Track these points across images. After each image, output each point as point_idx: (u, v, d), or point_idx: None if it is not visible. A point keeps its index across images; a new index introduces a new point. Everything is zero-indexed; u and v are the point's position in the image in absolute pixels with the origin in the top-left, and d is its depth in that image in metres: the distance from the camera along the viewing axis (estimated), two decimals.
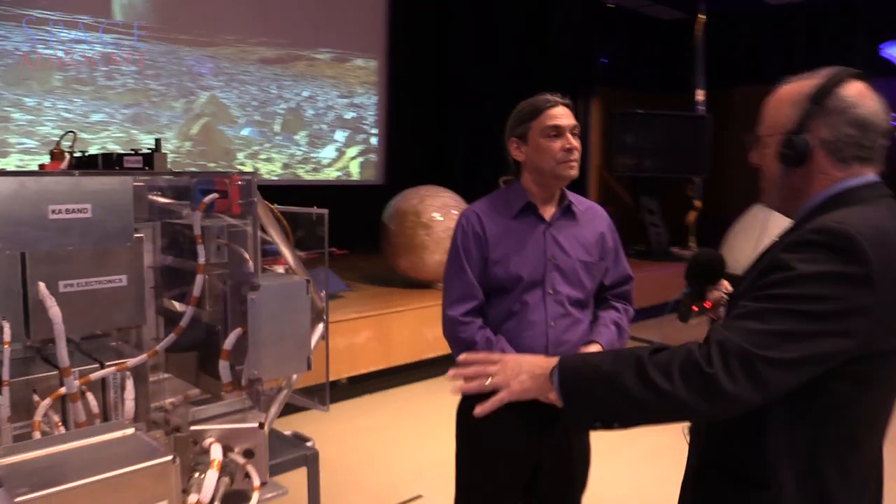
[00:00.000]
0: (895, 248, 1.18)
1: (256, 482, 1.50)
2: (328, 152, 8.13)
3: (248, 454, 1.53)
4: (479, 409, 1.40)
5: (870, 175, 1.30)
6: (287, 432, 2.05)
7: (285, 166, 7.76)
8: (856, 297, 1.14)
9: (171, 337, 1.72)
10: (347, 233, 7.37)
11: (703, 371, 1.15)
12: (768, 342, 1.14)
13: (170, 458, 1.28)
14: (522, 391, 1.36)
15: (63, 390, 1.58)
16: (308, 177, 7.98)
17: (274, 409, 1.72)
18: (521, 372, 1.36)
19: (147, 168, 1.72)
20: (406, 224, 5.57)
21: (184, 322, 1.73)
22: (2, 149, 5.90)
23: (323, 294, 1.87)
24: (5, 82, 5.84)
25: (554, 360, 1.34)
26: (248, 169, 7.42)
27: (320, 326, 1.87)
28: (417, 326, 5.17)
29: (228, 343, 1.64)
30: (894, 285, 1.15)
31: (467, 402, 2.18)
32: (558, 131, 2.03)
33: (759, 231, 5.86)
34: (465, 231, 2.12)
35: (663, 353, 1.21)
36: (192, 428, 1.51)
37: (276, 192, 7.92)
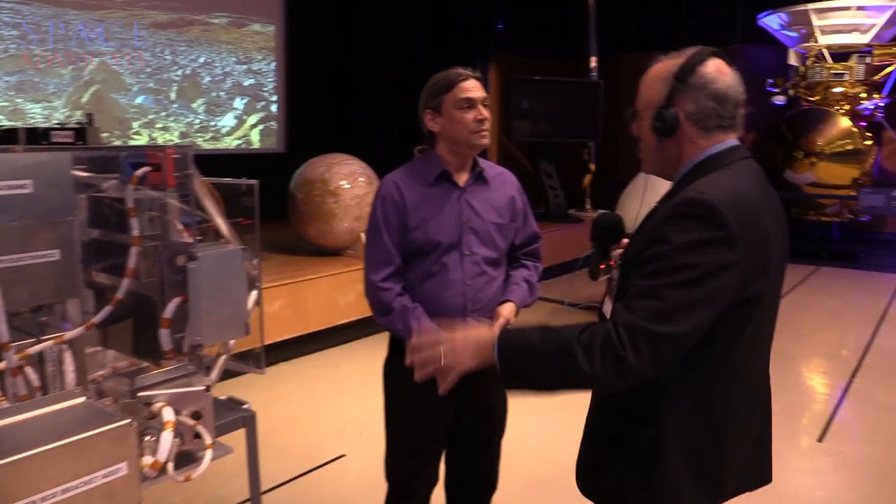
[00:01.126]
0: (749, 207, 1.37)
1: (208, 440, 1.59)
2: (227, 120, 7.98)
3: (196, 416, 1.61)
4: (442, 389, 1.52)
5: (731, 140, 1.50)
6: (222, 397, 2.12)
7: (183, 135, 7.57)
8: (723, 256, 1.32)
9: (108, 309, 1.76)
10: (265, 200, 7.31)
11: (618, 354, 1.30)
12: (668, 317, 1.30)
13: (128, 420, 1.35)
14: (472, 364, 1.47)
15: (2, 365, 1.61)
16: (207, 146, 7.82)
17: (215, 374, 1.79)
18: (467, 347, 1.47)
19: (81, 143, 1.73)
20: (314, 192, 5.59)
21: (120, 293, 1.78)
22: None
23: (256, 262, 1.94)
24: None
25: (494, 333, 1.47)
26: (142, 139, 7.20)
27: (254, 293, 1.94)
28: (330, 293, 5.25)
29: (168, 312, 1.70)
30: (751, 238, 1.34)
31: (394, 359, 2.32)
32: (471, 103, 2.16)
33: (641, 195, 6.27)
34: (384, 199, 2.23)
35: (586, 333, 1.36)
36: (141, 394, 1.57)
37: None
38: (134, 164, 1.81)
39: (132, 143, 7.12)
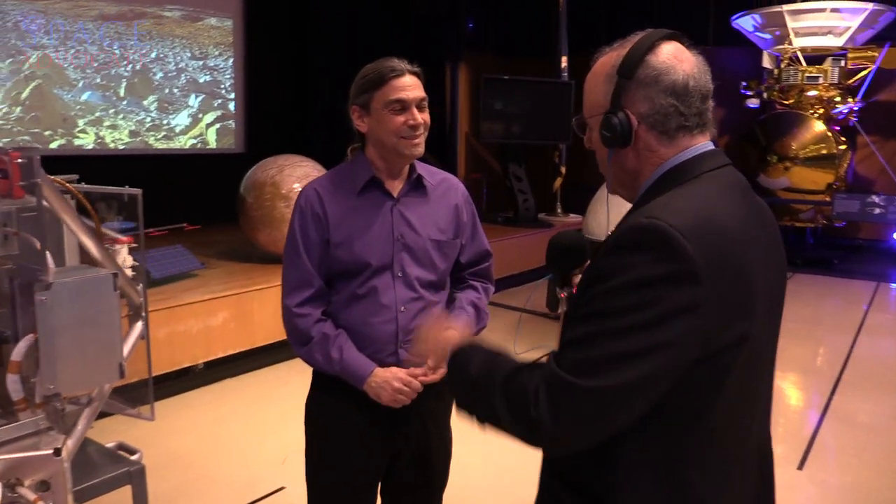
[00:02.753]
0: (720, 232, 1.08)
1: None
2: (181, 119, 7.60)
3: (42, 486, 1.29)
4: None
5: (702, 144, 1.20)
6: (110, 444, 1.80)
7: (133, 134, 7.17)
8: (678, 296, 1.03)
9: None
10: (205, 205, 6.97)
11: (529, 414, 1.07)
12: (595, 370, 1.04)
13: None
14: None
15: None
16: (160, 145, 7.43)
17: (81, 427, 1.47)
18: (444, 351, 1.34)
19: None
20: (264, 196, 5.25)
21: None
22: None
23: (140, 287, 1.62)
24: None
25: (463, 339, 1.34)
26: (88, 138, 6.81)
27: (139, 325, 1.62)
28: (279, 304, 4.90)
29: (18, 353, 1.38)
30: (723, 272, 1.05)
31: (316, 394, 2.01)
32: (402, 105, 1.84)
33: (622, 202, 6.01)
34: (303, 212, 1.91)
35: (521, 376, 1.12)
36: None
37: (124, 163, 7.34)
38: None
39: (77, 142, 6.72)
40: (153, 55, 7.25)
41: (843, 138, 8.93)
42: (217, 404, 4.32)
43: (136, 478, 1.69)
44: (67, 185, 1.52)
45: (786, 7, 8.68)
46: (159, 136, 7.42)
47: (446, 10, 8.66)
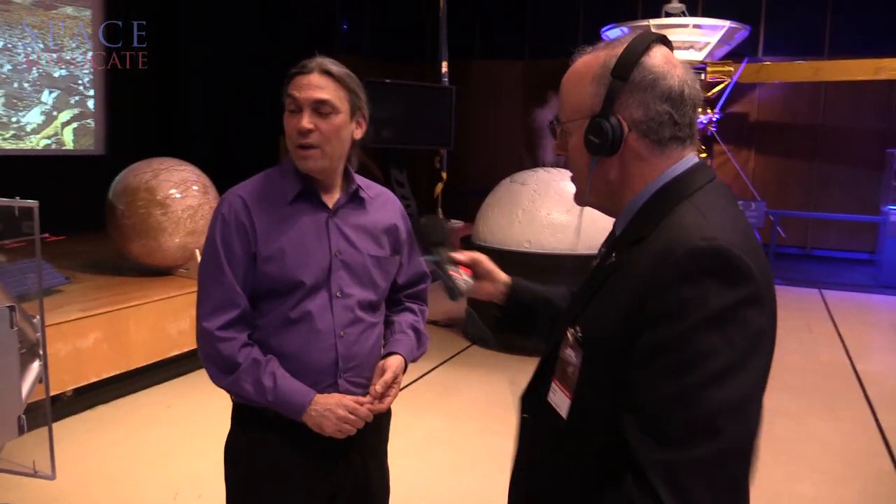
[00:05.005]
0: (758, 248, 1.03)
1: None
2: (33, 116, 6.91)
3: None
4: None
5: (690, 156, 1.12)
6: None
7: None
8: (757, 320, 0.96)
9: None
10: (63, 213, 6.33)
11: None
12: (707, 431, 0.91)
13: None
14: None
15: None
16: (8, 146, 6.72)
17: None
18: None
19: None
20: (137, 203, 4.82)
21: None
22: None
23: (36, 320, 1.35)
24: None
25: None
26: None
27: (35, 365, 1.35)
28: (157, 321, 4.52)
29: None
30: (769, 291, 1.00)
31: (239, 432, 1.78)
32: (296, 105, 1.65)
33: (515, 208, 5.94)
34: (225, 221, 1.68)
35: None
36: None
37: None
38: None
39: None
40: None
41: (703, 147, 9.49)
42: (91, 435, 3.88)
43: None
44: None
45: (652, 21, 9.08)
46: (7, 136, 6.71)
47: (320, 8, 8.41)
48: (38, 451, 3.16)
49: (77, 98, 7.28)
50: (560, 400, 1.13)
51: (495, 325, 1.54)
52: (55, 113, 7.08)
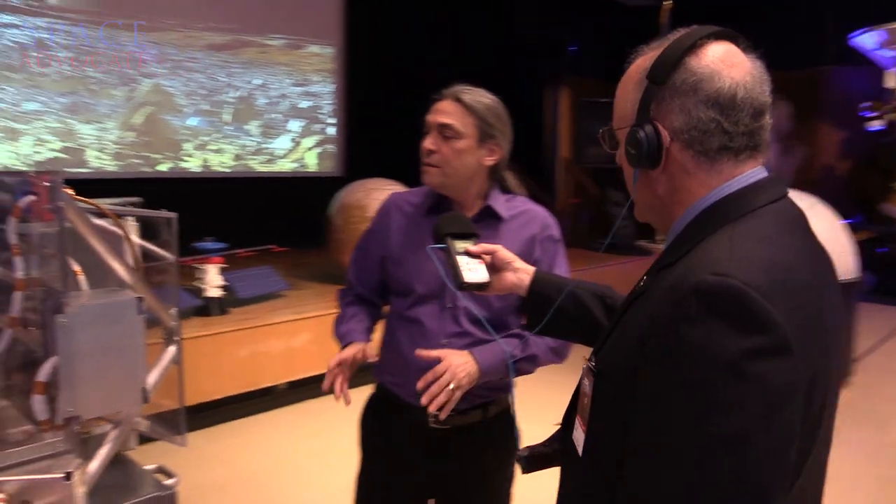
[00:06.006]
0: (800, 287, 0.87)
1: None
2: (283, 143, 7.84)
3: None
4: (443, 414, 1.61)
5: (750, 172, 0.97)
6: (150, 466, 1.79)
7: (237, 157, 7.46)
8: (777, 376, 0.80)
9: None
10: (302, 227, 7.13)
11: None
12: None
13: None
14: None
15: None
16: (262, 168, 7.69)
17: (105, 451, 1.46)
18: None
19: None
20: (351, 218, 5.30)
21: (1, 346, 1.48)
22: None
23: (174, 312, 1.61)
24: None
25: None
26: (194, 161, 7.12)
27: (172, 349, 1.61)
28: None
29: (43, 374, 1.39)
30: (807, 333, 0.84)
31: (365, 412, 1.99)
32: (427, 127, 1.83)
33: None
34: (376, 222, 1.95)
35: None
36: None
37: (227, 185, 7.61)
38: (26, 192, 1.52)
39: (183, 165, 7.04)
40: (256, 82, 7.52)
41: None
42: (298, 424, 4.35)
43: (166, 503, 1.67)
44: (103, 207, 1.53)
45: None
46: (261, 160, 7.68)
47: (547, 33, 8.58)
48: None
49: (319, 126, 8.12)
50: (578, 436, 1.05)
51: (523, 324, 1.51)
52: (300, 139, 7.96)
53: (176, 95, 6.93)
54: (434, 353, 1.66)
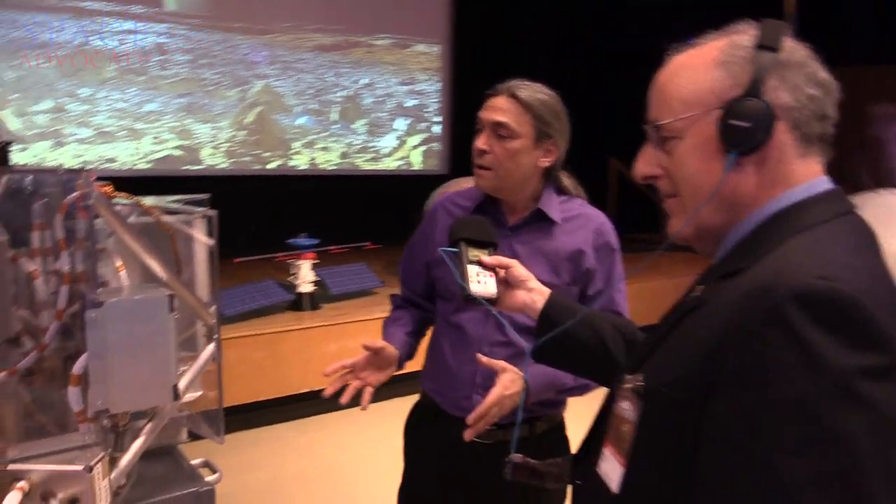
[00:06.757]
0: (886, 294, 0.77)
1: None
2: (388, 141, 7.94)
3: (73, 502, 1.31)
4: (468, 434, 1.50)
5: (823, 178, 0.89)
6: (197, 460, 1.82)
7: (343, 156, 7.62)
8: (890, 399, 0.67)
9: (34, 354, 1.53)
10: (403, 225, 7.19)
11: None
12: None
13: None
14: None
15: None
16: (367, 167, 7.82)
17: (137, 444, 1.49)
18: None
19: None
20: None
21: (48, 338, 1.53)
22: (57, 139, 6.01)
23: (213, 310, 1.62)
24: (61, 73, 5.93)
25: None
26: (302, 159, 7.33)
27: (210, 347, 1.62)
28: None
29: (77, 367, 1.42)
30: None
31: (409, 419, 1.95)
32: (480, 125, 1.71)
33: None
34: (424, 224, 1.89)
35: None
36: (11, 467, 1.30)
37: (332, 183, 7.81)
38: (72, 190, 1.57)
39: (291, 163, 7.27)
40: (363, 81, 7.65)
41: None
42: (383, 422, 4.37)
43: (205, 499, 1.69)
44: (143, 203, 1.56)
45: None
46: (367, 158, 7.81)
47: (663, 24, 8.24)
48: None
49: (425, 124, 8.17)
50: (611, 469, 0.92)
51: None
52: (406, 138, 8.04)
53: (285, 95, 7.16)
54: (496, 363, 1.55)
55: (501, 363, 1.57)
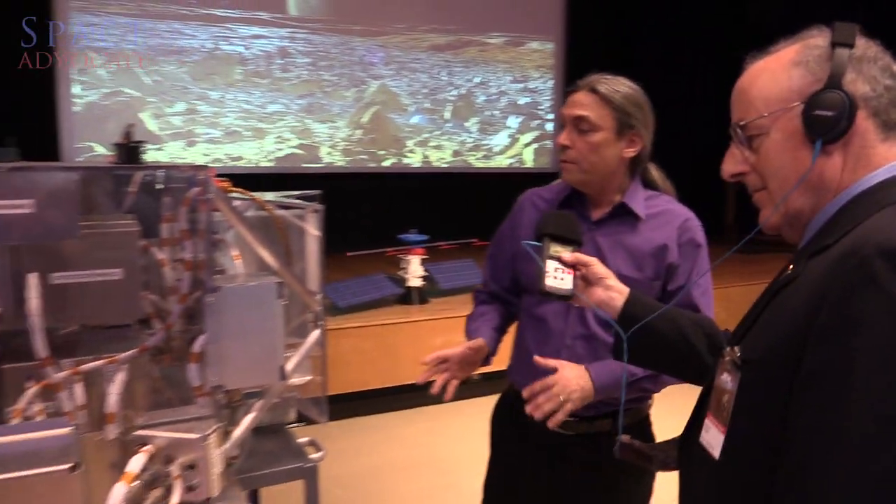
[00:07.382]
0: None
1: (203, 494, 1.42)
2: (500, 139, 8.01)
3: (189, 467, 1.45)
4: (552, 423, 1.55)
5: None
6: (303, 439, 1.96)
7: (455, 154, 7.75)
8: None
9: (161, 334, 1.69)
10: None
11: None
12: None
13: (67, 465, 1.22)
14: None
15: (50, 380, 1.60)
16: (479, 164, 7.92)
17: (250, 418, 1.62)
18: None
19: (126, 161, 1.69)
20: None
21: (172, 319, 1.69)
22: (190, 138, 6.45)
23: (319, 297, 1.74)
24: (192, 77, 6.36)
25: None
26: (416, 157, 7.51)
27: (316, 333, 1.74)
28: None
29: (197, 346, 1.57)
30: None
31: (495, 412, 1.99)
32: (562, 121, 1.74)
33: None
34: (510, 219, 1.93)
35: None
36: (138, 433, 1.46)
37: (445, 180, 7.98)
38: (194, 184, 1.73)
39: (405, 161, 7.47)
40: (476, 80, 7.75)
41: None
42: (483, 415, 4.45)
43: (309, 475, 1.81)
44: (257, 198, 1.69)
45: None
46: (479, 156, 7.90)
47: (782, 15, 7.87)
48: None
49: (537, 122, 8.18)
50: (713, 437, 0.97)
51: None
52: (518, 136, 8.08)
53: (400, 95, 7.36)
54: (552, 362, 1.60)
55: (558, 362, 1.61)
